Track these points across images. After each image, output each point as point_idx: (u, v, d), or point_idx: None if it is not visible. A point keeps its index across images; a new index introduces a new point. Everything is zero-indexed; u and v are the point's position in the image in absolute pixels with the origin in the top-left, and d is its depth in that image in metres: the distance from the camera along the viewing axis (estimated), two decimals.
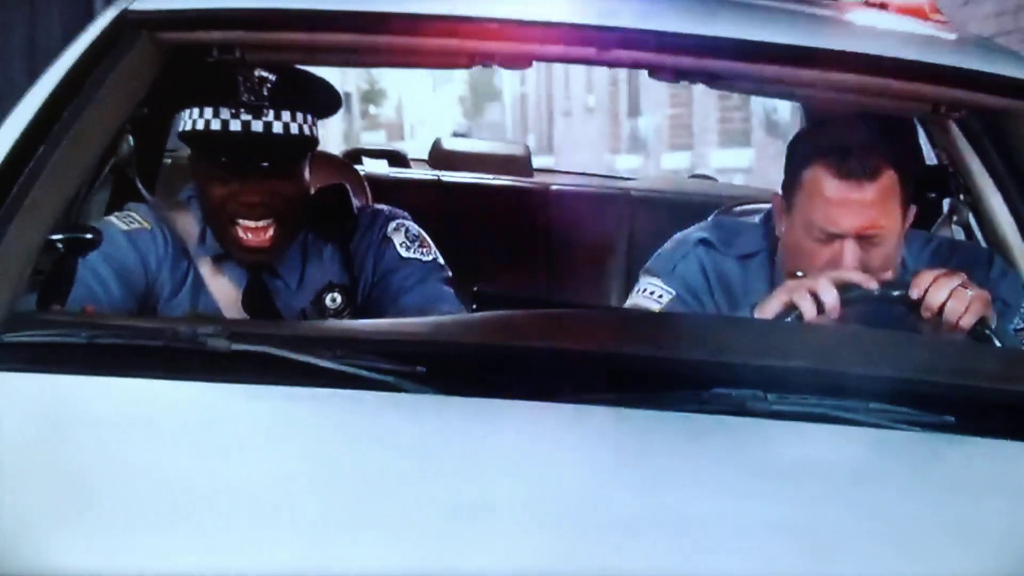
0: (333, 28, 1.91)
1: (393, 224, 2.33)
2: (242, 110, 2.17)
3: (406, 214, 2.37)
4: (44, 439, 1.38)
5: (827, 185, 2.02)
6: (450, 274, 2.32)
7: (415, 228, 2.34)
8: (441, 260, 2.32)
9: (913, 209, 2.09)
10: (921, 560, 1.28)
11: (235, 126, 2.18)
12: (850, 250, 2.00)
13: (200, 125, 2.20)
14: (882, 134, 2.06)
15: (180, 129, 2.25)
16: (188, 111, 2.22)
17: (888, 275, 2.01)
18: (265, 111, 2.17)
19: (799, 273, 2.03)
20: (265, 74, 2.16)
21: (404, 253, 2.30)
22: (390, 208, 2.38)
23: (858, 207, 2.00)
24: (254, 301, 2.25)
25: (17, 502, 1.25)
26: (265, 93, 2.16)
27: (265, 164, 2.18)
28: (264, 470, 1.32)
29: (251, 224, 2.19)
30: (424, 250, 2.31)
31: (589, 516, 1.27)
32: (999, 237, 2.43)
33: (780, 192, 2.14)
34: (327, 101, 2.29)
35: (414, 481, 1.30)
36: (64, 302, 1.84)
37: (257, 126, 2.18)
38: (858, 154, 2.01)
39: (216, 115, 2.18)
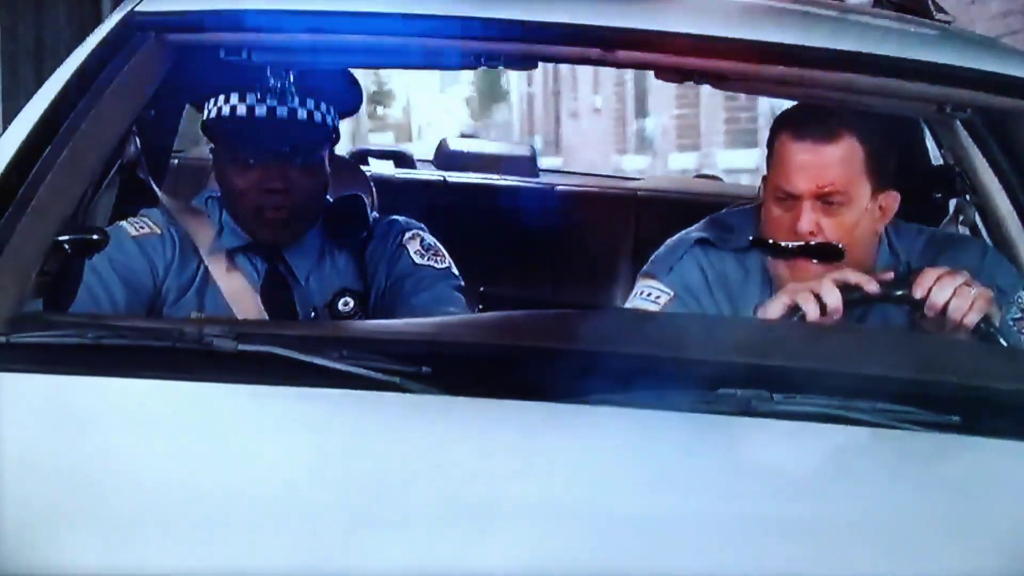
0: (340, 29, 1.91)
1: (409, 233, 2.35)
2: (268, 95, 2.20)
3: (422, 225, 2.39)
4: (50, 439, 1.38)
5: (788, 148, 2.08)
6: (462, 283, 2.33)
7: (430, 238, 2.36)
8: (455, 270, 2.34)
9: (894, 196, 2.11)
10: (927, 560, 1.28)
11: (261, 111, 2.21)
12: (806, 211, 2.05)
13: (226, 111, 2.23)
14: (855, 112, 2.09)
15: (205, 117, 2.28)
16: (213, 99, 2.25)
17: (890, 275, 2.01)
18: (291, 98, 2.20)
19: (770, 241, 2.08)
20: None
21: (418, 260, 2.32)
22: (406, 219, 2.40)
23: (813, 168, 2.05)
24: (272, 290, 2.27)
25: (23, 502, 1.25)
26: (292, 80, 2.19)
27: (288, 149, 2.20)
28: (269, 470, 1.32)
29: (274, 210, 2.23)
30: (438, 259, 2.33)
31: (594, 516, 1.27)
32: (1005, 237, 2.43)
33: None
34: (350, 95, 2.32)
35: (419, 481, 1.31)
36: (70, 303, 1.84)
37: (282, 111, 2.21)
38: (816, 118, 2.07)
39: (242, 100, 2.22)
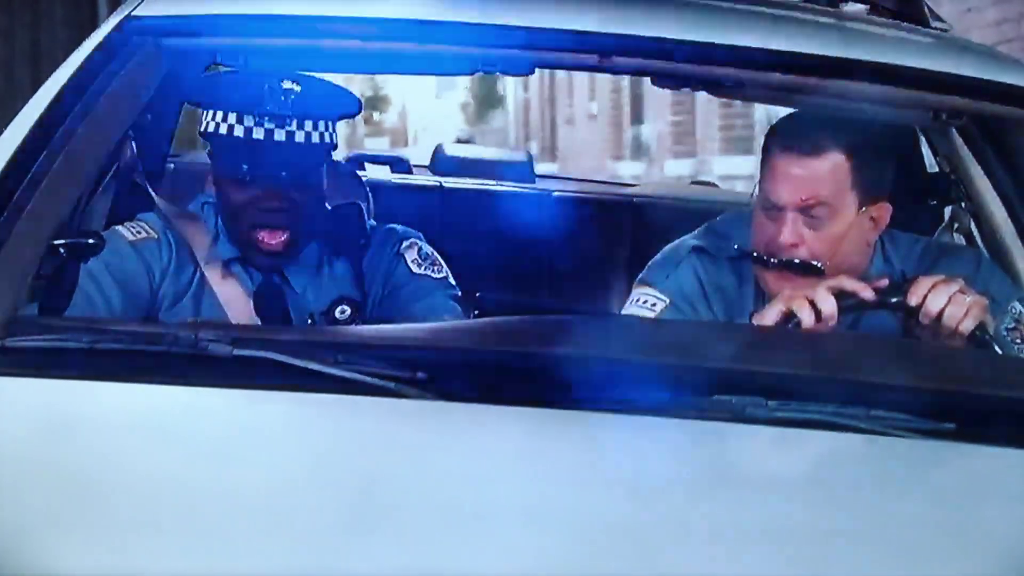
0: (337, 34, 1.91)
1: (406, 243, 2.35)
2: (265, 119, 2.19)
3: (419, 234, 2.39)
4: (46, 444, 1.38)
5: (775, 160, 2.08)
6: (459, 293, 2.33)
7: (428, 248, 2.36)
8: (452, 280, 2.34)
9: (886, 207, 2.11)
10: (921, 568, 1.28)
11: (258, 134, 2.19)
12: (788, 223, 2.05)
13: (223, 129, 2.21)
14: (845, 127, 2.09)
15: (202, 129, 2.27)
16: (211, 112, 2.24)
17: (885, 283, 2.02)
18: (288, 121, 2.19)
19: (755, 253, 2.08)
20: (291, 85, 2.18)
21: (415, 269, 2.32)
22: (404, 227, 2.40)
23: (797, 180, 2.05)
24: (266, 302, 2.27)
25: (19, 506, 1.25)
26: (290, 103, 2.18)
27: (285, 173, 2.20)
28: (265, 475, 1.32)
29: (270, 232, 2.22)
30: (435, 268, 2.33)
31: (588, 522, 1.27)
32: (1000, 244, 2.43)
33: None
34: (348, 109, 2.32)
35: (414, 486, 1.31)
36: (66, 307, 1.84)
37: (280, 135, 2.19)
38: (805, 131, 2.08)
39: (240, 121, 2.20)
